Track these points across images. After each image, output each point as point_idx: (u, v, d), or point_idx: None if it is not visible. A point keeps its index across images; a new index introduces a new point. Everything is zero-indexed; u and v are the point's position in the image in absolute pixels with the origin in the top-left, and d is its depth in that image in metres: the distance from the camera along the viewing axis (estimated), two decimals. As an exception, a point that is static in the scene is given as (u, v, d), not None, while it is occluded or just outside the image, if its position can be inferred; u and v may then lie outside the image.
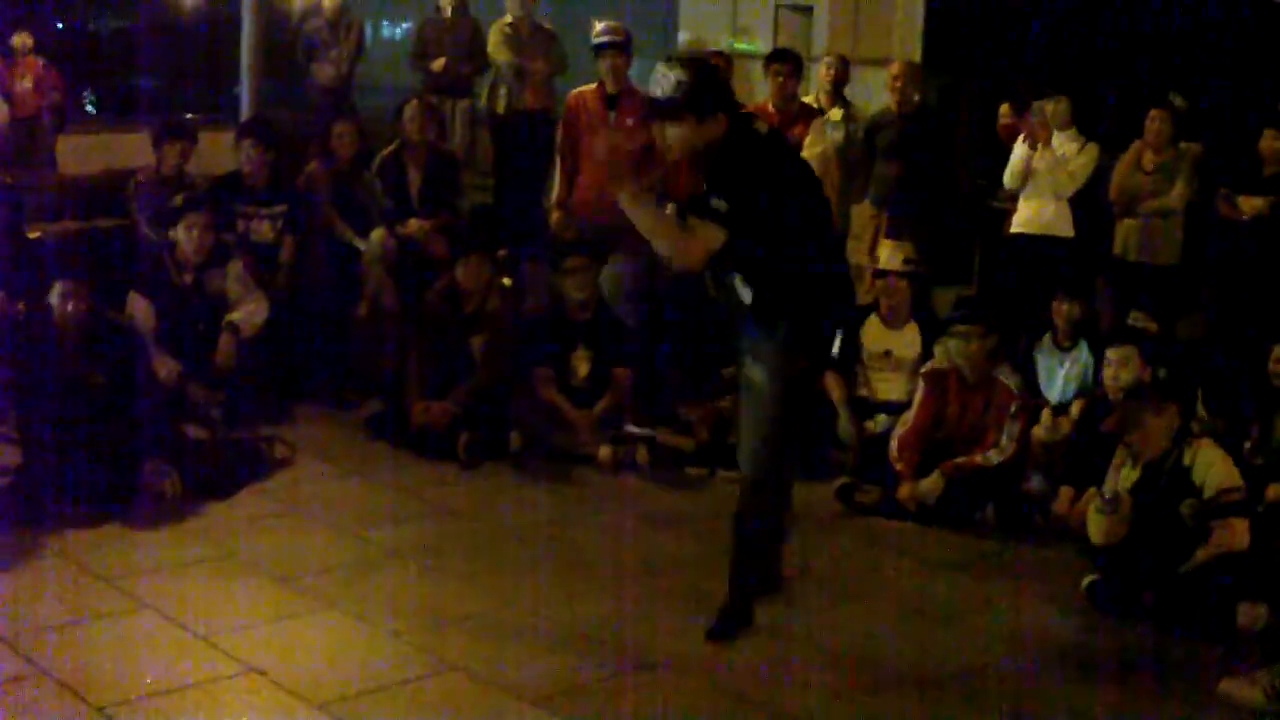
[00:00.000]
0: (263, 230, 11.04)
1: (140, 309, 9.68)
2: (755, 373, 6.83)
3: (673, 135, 6.61)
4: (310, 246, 11.22)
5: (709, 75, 6.72)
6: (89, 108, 19.09)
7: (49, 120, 15.02)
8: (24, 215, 11.01)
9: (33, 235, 10.96)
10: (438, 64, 13.83)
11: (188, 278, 9.87)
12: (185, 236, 9.86)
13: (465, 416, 9.61)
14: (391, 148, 11.59)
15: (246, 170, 11.19)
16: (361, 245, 11.22)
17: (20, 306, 9.93)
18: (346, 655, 6.72)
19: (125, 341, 9.06)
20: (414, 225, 11.23)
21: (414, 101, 11.79)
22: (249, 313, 9.86)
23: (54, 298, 8.76)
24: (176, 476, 8.69)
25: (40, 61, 15.24)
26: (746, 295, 6.76)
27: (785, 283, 6.68)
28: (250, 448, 9.41)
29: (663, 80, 6.49)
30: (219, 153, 12.24)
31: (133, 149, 13.27)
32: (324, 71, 14.33)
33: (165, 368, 9.40)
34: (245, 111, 13.70)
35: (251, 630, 6.93)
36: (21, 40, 14.97)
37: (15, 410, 8.97)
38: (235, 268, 10.01)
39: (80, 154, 14.30)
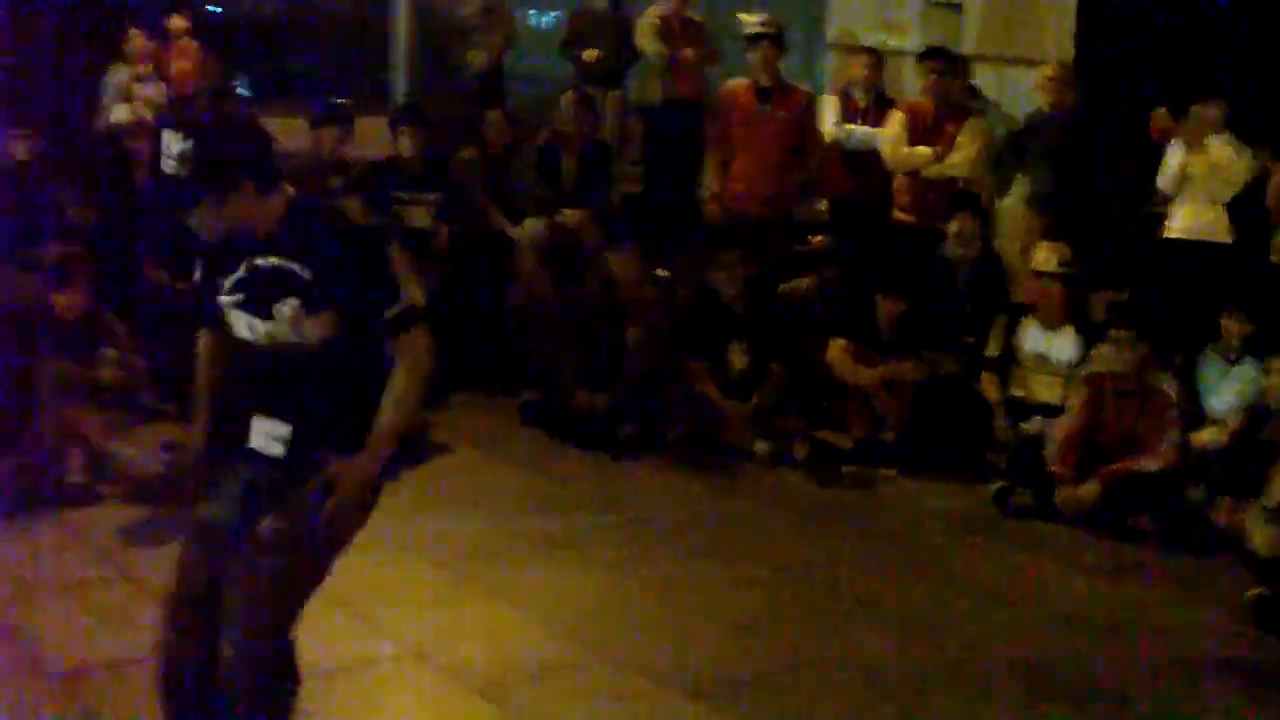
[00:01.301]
0: (418, 216, 11.10)
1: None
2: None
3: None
4: (465, 234, 11.25)
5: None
6: (242, 91, 19.20)
7: (206, 103, 15.14)
8: (185, 202, 11.06)
9: (192, 222, 11.03)
10: (590, 54, 13.81)
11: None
12: (343, 220, 9.91)
13: (621, 407, 9.62)
14: (545, 136, 11.63)
15: (402, 156, 11.25)
16: (515, 233, 11.26)
17: (179, 286, 10.06)
18: (504, 641, 6.74)
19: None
20: (568, 214, 11.24)
21: (569, 92, 11.84)
22: (407, 297, 9.89)
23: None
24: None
25: (196, 44, 15.35)
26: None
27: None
28: (407, 433, 9.44)
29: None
30: (373, 138, 12.32)
31: (288, 133, 13.37)
32: (476, 58, 14.35)
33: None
34: (399, 97, 13.78)
35: (411, 613, 6.98)
36: (177, 22, 15.06)
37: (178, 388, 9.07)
38: (392, 252, 10.03)
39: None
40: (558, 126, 11.56)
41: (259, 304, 4.71)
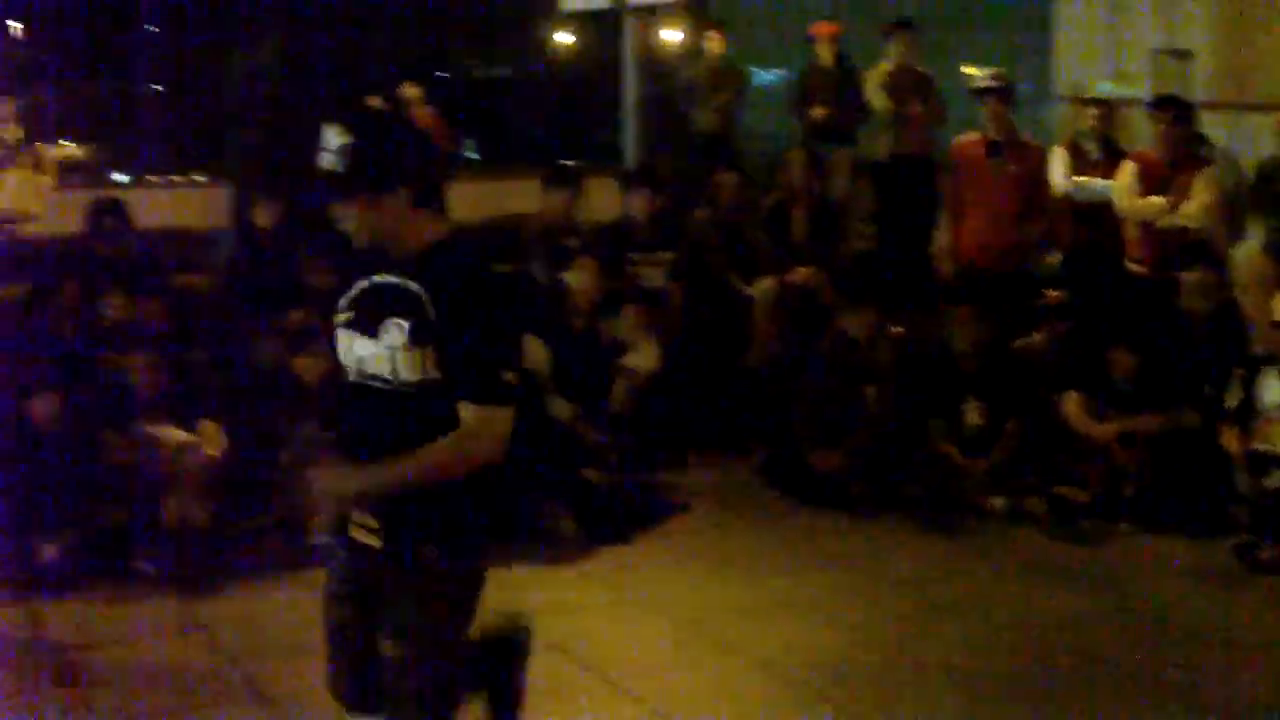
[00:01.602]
0: (652, 276, 11.21)
1: (535, 352, 9.90)
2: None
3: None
4: (699, 293, 11.34)
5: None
6: (470, 154, 19.53)
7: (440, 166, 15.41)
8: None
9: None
10: (818, 112, 13.87)
11: (581, 322, 10.06)
12: (578, 281, 10.07)
13: (858, 466, 9.62)
14: (776, 196, 11.71)
15: (635, 217, 11.38)
16: (750, 292, 11.33)
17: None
18: (745, 701, 6.78)
19: (522, 384, 9.26)
20: (801, 273, 11.30)
21: (798, 150, 11.91)
22: (643, 357, 10.01)
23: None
24: (572, 518, 8.91)
25: (430, 110, 15.64)
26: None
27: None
28: (646, 492, 9.58)
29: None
30: (601, 198, 12.48)
31: (517, 195, 13.59)
32: (705, 118, 14.48)
33: (561, 410, 9.60)
34: (629, 157, 13.95)
35: (655, 674, 7.05)
36: (410, 91, 15.36)
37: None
38: (631, 312, 10.17)
39: (467, 200, 14.60)
40: (787, 185, 11.62)
41: (366, 322, 4.47)
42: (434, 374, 4.38)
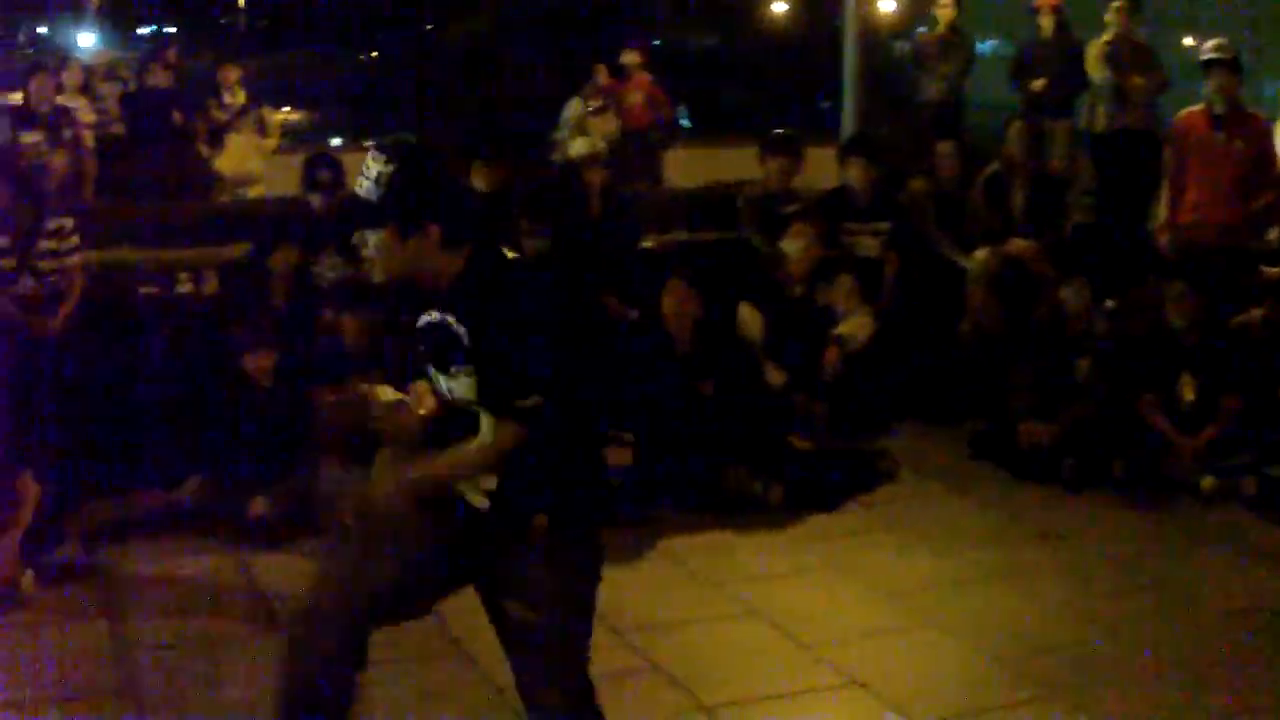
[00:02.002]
0: (868, 246, 11.18)
1: (750, 319, 9.92)
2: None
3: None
4: (914, 263, 11.29)
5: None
6: (684, 122, 19.60)
7: (657, 135, 15.51)
8: (639, 225, 11.39)
9: (646, 245, 11.36)
10: (1039, 83, 13.72)
11: (797, 290, 10.06)
12: (794, 248, 10.06)
13: (1070, 439, 9.51)
14: (994, 167, 11.60)
15: (852, 186, 11.35)
16: (965, 263, 11.25)
17: (634, 313, 10.33)
18: (947, 675, 6.74)
19: (736, 351, 9.32)
20: (1018, 245, 11.19)
21: (1018, 122, 11.79)
22: (856, 326, 10.01)
23: (664, 299, 9.06)
24: (781, 485, 8.92)
25: (649, 78, 15.72)
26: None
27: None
28: (855, 460, 9.57)
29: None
30: (817, 167, 12.45)
31: (733, 163, 13.61)
32: (932, 87, 14.38)
33: (774, 377, 9.61)
34: (847, 127, 13.89)
35: (854, 643, 7.03)
36: (631, 57, 15.45)
37: (629, 413, 9.32)
38: (845, 281, 10.16)
39: (683, 167, 14.71)
40: (1007, 156, 11.50)
41: (439, 360, 4.61)
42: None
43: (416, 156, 4.58)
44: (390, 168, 4.44)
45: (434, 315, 4.57)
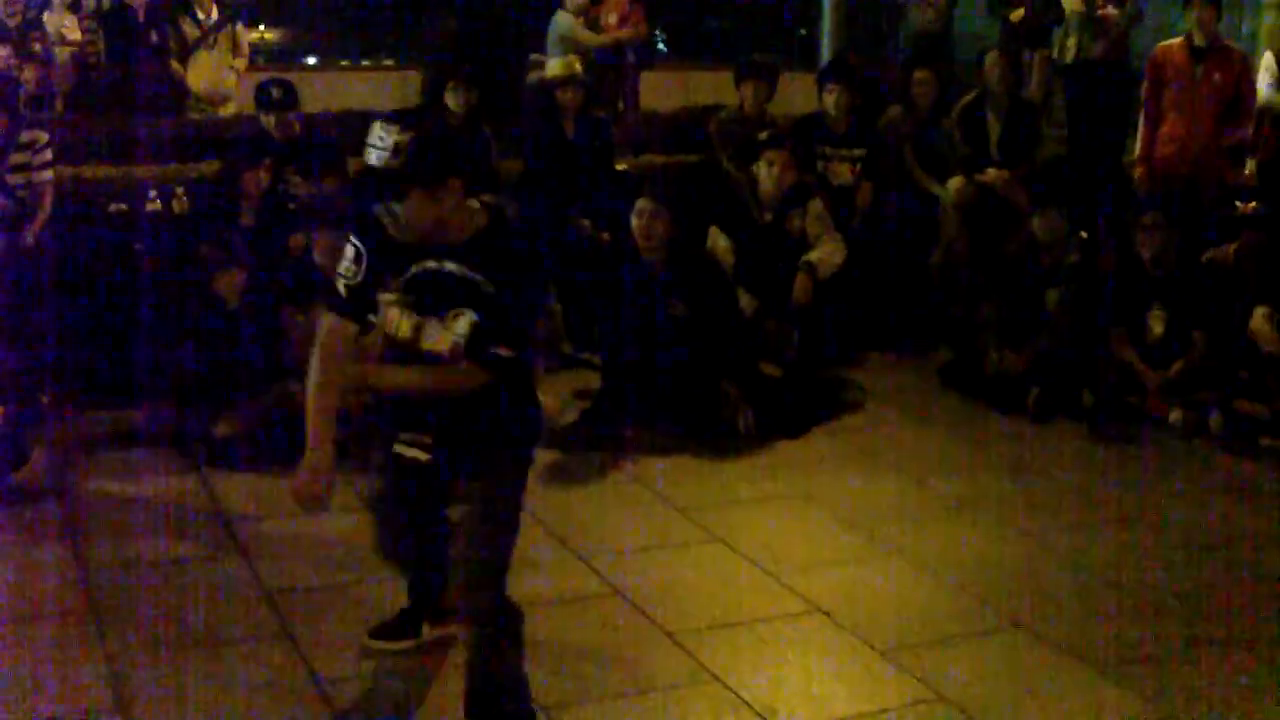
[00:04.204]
0: (841, 173, 11.15)
1: (721, 244, 9.87)
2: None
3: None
4: (887, 191, 11.26)
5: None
6: (660, 46, 19.47)
7: (633, 57, 15.38)
8: (613, 147, 11.34)
9: (619, 167, 11.32)
10: (1016, 14, 13.64)
11: (768, 215, 10.01)
12: (766, 174, 10.01)
13: (1037, 370, 9.50)
14: (971, 96, 11.56)
15: (828, 112, 11.30)
16: (939, 192, 11.23)
17: (604, 236, 10.31)
18: (911, 604, 6.74)
19: (707, 274, 9.28)
20: (992, 174, 11.16)
21: (995, 52, 11.73)
22: (827, 253, 9.95)
23: (633, 219, 9.02)
24: (750, 411, 8.90)
25: (626, -1, 15.60)
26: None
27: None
28: (823, 388, 9.56)
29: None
30: (797, 94, 12.41)
31: (709, 87, 13.55)
32: (923, 17, 14.27)
33: (743, 303, 9.58)
34: (825, 54, 13.84)
35: (818, 570, 7.03)
36: (606, -24, 15.31)
37: (599, 335, 9.31)
38: (816, 207, 10.11)
39: (659, 91, 14.63)
40: (983, 86, 11.46)
41: (431, 307, 4.92)
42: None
43: (426, 119, 4.97)
44: (407, 135, 4.79)
45: (431, 264, 4.87)
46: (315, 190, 9.54)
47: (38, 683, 5.77)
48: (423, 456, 5.22)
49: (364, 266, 4.91)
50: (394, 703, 5.73)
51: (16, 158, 9.42)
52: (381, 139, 4.68)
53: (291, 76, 10.95)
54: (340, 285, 4.96)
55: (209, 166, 10.31)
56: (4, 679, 5.79)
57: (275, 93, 10.11)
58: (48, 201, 9.52)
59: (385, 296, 4.94)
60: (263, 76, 10.98)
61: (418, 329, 4.98)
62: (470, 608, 5.13)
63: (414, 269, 4.92)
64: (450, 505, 5.55)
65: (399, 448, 5.26)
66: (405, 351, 5.03)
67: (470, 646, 5.18)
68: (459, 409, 5.11)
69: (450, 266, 4.86)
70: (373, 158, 4.71)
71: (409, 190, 4.73)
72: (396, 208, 4.82)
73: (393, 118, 4.81)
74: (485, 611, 5.09)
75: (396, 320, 4.96)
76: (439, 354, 4.97)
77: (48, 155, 9.56)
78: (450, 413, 5.14)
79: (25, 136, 9.52)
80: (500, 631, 5.14)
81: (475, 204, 4.88)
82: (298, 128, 10.15)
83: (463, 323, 4.90)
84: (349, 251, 4.93)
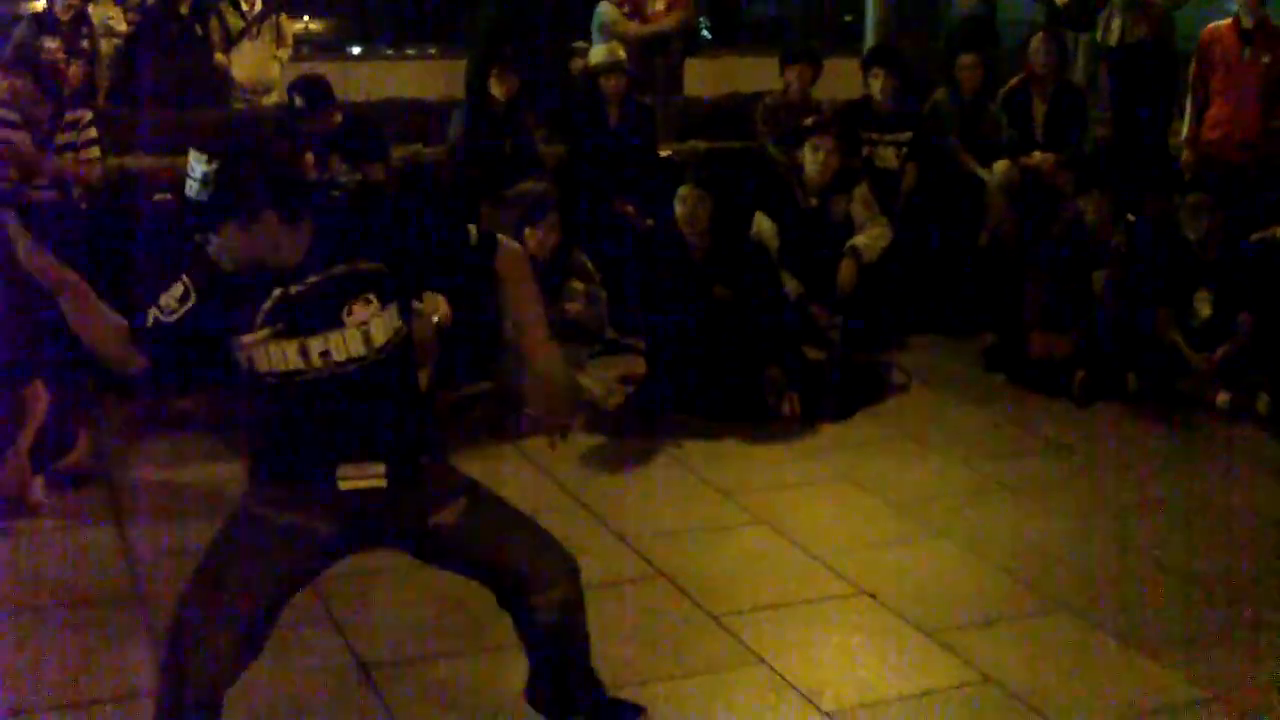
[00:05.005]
0: (887, 157, 11.15)
1: (766, 229, 9.86)
2: None
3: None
4: (933, 175, 11.23)
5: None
6: (704, 33, 19.45)
7: (678, 43, 15.35)
8: (656, 133, 11.35)
9: (664, 153, 11.32)
10: (1061, -2, 13.60)
11: (813, 200, 10.00)
12: (811, 159, 9.99)
13: (1083, 352, 9.46)
14: (1018, 79, 11.54)
15: (873, 97, 11.29)
16: (985, 175, 11.19)
17: (648, 222, 10.31)
18: (956, 586, 6.72)
19: (752, 259, 9.28)
20: (1038, 157, 11.13)
21: (1041, 34, 11.71)
22: (872, 237, 9.94)
23: (676, 205, 9.03)
24: (795, 396, 8.90)
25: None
26: None
27: None
28: (868, 372, 9.55)
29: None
30: (842, 79, 12.38)
31: (753, 73, 13.53)
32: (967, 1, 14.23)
33: (789, 287, 9.57)
34: (869, 39, 13.81)
35: (863, 553, 7.03)
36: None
37: (644, 321, 9.31)
38: (861, 191, 10.10)
39: (703, 77, 14.61)
40: (1029, 69, 11.42)
41: (321, 320, 4.55)
42: (397, 322, 4.67)
43: (235, 148, 4.54)
44: (213, 166, 4.38)
45: (318, 277, 4.55)
46: (362, 177, 9.55)
47: (83, 667, 5.80)
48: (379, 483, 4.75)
49: (186, 309, 4.56)
50: (442, 688, 5.74)
51: (63, 137, 9.57)
52: (193, 168, 4.48)
53: (335, 67, 11.02)
54: (150, 316, 4.60)
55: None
56: (50, 663, 5.84)
57: (299, 101, 10.13)
58: (94, 174, 9.69)
59: (249, 338, 4.54)
60: (305, 66, 11.00)
61: (305, 351, 4.57)
62: (554, 565, 4.91)
63: (271, 298, 4.55)
64: None
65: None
66: (307, 380, 4.61)
67: (555, 608, 4.90)
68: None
69: (313, 279, 4.56)
70: (188, 188, 4.51)
71: (221, 224, 4.45)
72: (214, 239, 4.51)
73: (205, 146, 4.42)
74: (569, 564, 4.94)
75: (278, 355, 4.55)
76: (358, 357, 4.60)
77: (92, 133, 9.69)
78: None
79: (70, 116, 9.67)
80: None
81: (301, 230, 4.55)
82: (339, 118, 10.16)
83: (361, 309, 4.58)
84: (176, 289, 4.56)
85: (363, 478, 4.67)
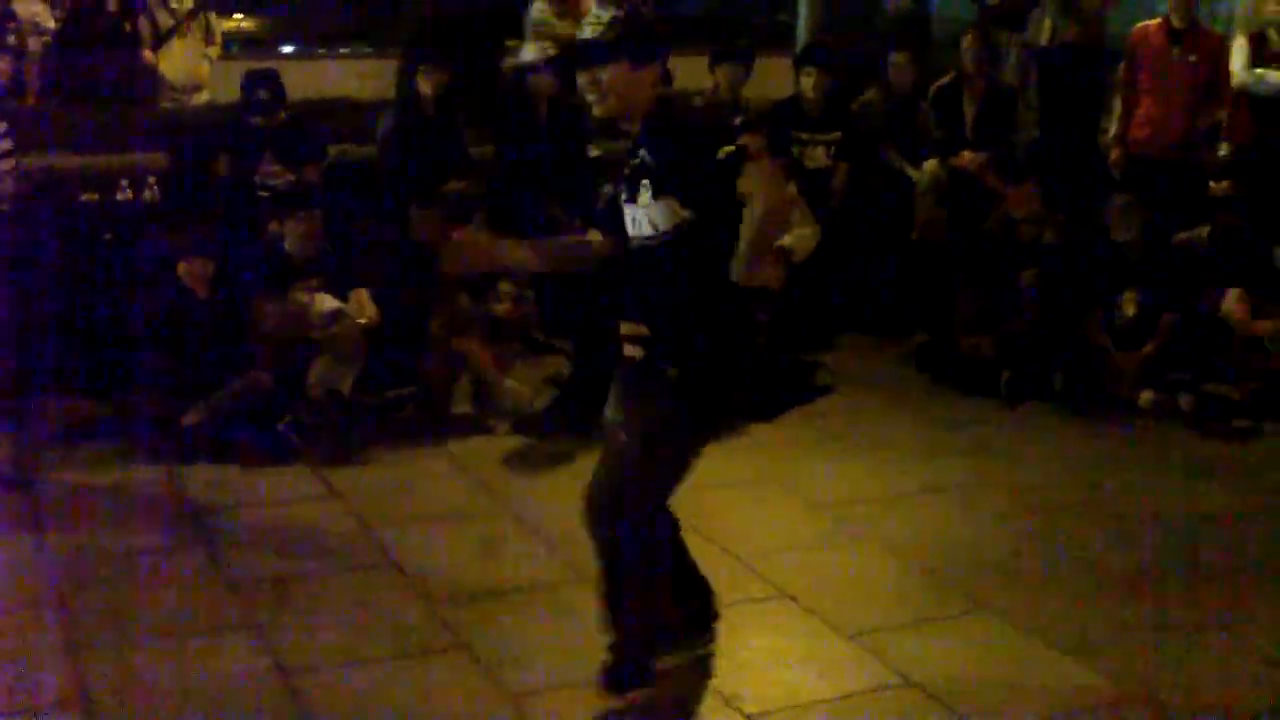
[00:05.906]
0: (817, 156, 11.13)
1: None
2: (619, 423, 5.57)
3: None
4: (862, 174, 11.24)
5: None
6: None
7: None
8: (587, 134, 11.31)
9: (593, 154, 11.28)
10: (993, -4, 13.64)
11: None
12: (741, 157, 9.97)
13: (1009, 353, 9.49)
14: (948, 79, 11.54)
15: (804, 95, 11.27)
16: (914, 175, 11.21)
17: (576, 222, 10.26)
18: (879, 588, 6.74)
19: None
20: (967, 157, 11.14)
21: (971, 33, 11.70)
22: (801, 236, 9.93)
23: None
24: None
25: (591, -5, 15.52)
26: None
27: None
28: (795, 372, 9.53)
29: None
30: (773, 78, 12.36)
31: (683, 72, 13.50)
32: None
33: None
34: (802, 38, 13.81)
35: (785, 554, 7.03)
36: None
37: (571, 324, 9.29)
38: (791, 192, 10.07)
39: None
40: (959, 68, 11.44)
41: (631, 193, 5.18)
42: (683, 214, 5.07)
43: (639, 5, 5.22)
44: (620, 11, 5.10)
45: (636, 157, 5.16)
46: (295, 178, 9.52)
47: (-1, 674, 5.76)
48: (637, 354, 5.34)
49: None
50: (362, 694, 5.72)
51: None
52: (597, 17, 5.11)
53: (268, 65, 10.91)
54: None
55: (180, 156, 10.28)
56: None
57: (264, 94, 10.09)
58: (6, 188, 9.46)
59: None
60: (236, 65, 10.94)
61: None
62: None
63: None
64: None
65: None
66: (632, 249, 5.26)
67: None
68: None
69: (638, 156, 5.20)
70: (581, 31, 5.16)
71: (615, 60, 5.08)
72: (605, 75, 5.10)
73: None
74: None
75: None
76: (643, 236, 5.18)
77: (7, 144, 9.49)
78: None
79: None
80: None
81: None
82: (283, 116, 10.13)
83: (644, 194, 5.12)
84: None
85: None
